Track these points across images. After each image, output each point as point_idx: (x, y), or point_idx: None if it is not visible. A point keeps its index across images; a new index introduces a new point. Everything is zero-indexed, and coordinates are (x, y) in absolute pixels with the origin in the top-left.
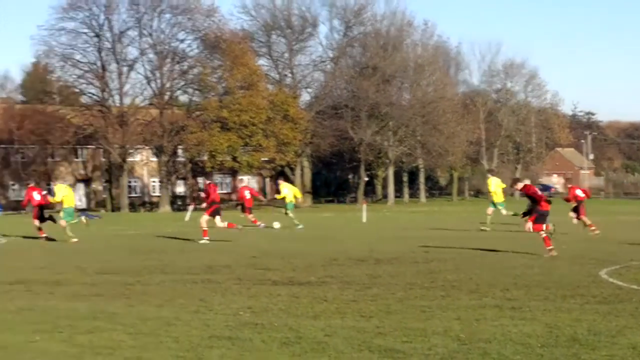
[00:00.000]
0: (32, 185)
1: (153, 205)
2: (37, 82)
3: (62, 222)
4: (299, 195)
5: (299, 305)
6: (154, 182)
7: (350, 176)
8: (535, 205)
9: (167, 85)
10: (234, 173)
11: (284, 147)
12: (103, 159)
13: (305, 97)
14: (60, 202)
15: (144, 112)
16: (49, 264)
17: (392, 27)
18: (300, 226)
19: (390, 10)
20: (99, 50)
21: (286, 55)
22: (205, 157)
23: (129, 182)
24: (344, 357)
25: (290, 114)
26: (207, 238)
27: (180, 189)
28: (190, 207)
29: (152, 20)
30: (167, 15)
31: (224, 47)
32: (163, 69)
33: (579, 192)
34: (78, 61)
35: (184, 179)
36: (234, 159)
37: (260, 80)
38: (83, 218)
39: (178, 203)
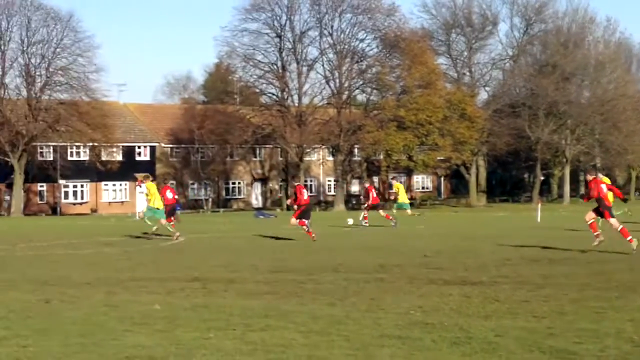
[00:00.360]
0: (167, 184)
1: (328, 205)
2: (218, 82)
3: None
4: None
5: (470, 305)
6: (329, 181)
7: (525, 175)
8: None
9: (346, 84)
10: (409, 172)
11: (460, 146)
12: (280, 158)
13: (483, 95)
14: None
15: (321, 111)
16: (224, 262)
17: (573, 24)
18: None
19: (572, 7)
20: (280, 51)
21: (465, 53)
22: (381, 156)
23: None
24: (515, 357)
25: (467, 113)
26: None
27: (355, 188)
28: (365, 207)
29: (333, 20)
30: (348, 15)
31: (403, 46)
32: (342, 68)
33: None
34: (259, 61)
35: (359, 178)
36: (410, 158)
37: (439, 79)
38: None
39: (352, 202)
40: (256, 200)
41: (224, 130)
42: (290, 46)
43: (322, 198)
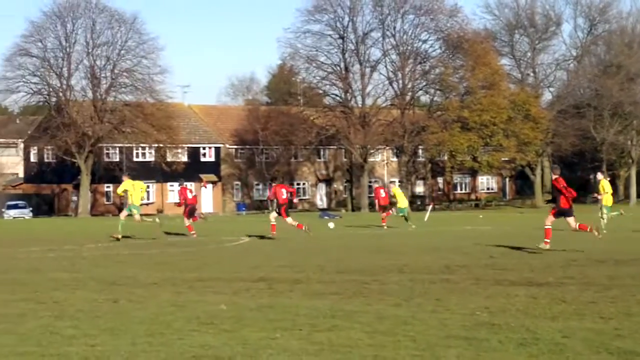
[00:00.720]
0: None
1: (392, 206)
2: (282, 83)
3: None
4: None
5: (537, 306)
6: (393, 182)
7: (591, 176)
8: None
9: (409, 85)
10: (473, 173)
11: (525, 147)
12: (344, 159)
13: (547, 96)
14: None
15: (385, 112)
16: (290, 262)
17: (637, 24)
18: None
19: (636, 7)
20: (343, 52)
21: (529, 54)
22: (446, 157)
23: (369, 182)
24: (582, 359)
25: (531, 114)
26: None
27: (419, 189)
28: (429, 207)
29: (396, 21)
30: (411, 16)
31: (466, 47)
32: (405, 69)
33: None
34: (322, 63)
35: (423, 179)
36: (474, 159)
37: (502, 80)
38: (156, 218)
39: (417, 203)
40: (321, 201)
41: (288, 132)
42: (353, 47)
43: None
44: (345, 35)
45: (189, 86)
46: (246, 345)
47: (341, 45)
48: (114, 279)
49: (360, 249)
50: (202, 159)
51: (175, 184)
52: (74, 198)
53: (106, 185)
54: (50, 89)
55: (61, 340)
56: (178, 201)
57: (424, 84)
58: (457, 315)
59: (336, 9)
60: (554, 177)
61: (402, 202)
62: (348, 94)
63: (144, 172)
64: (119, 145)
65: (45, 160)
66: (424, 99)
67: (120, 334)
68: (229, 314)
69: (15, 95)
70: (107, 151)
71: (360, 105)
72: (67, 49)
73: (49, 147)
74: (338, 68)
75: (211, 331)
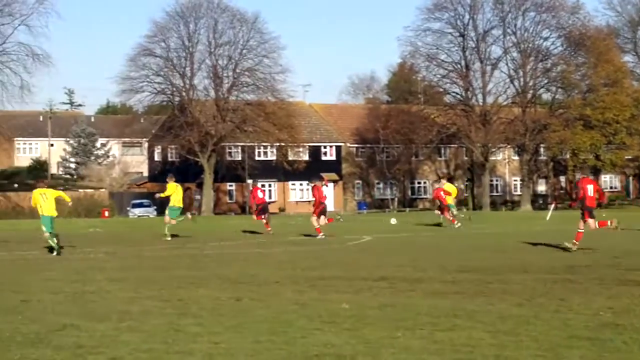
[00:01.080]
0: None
1: (514, 204)
2: (402, 82)
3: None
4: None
5: None
6: (515, 180)
7: None
8: None
9: (530, 83)
10: (596, 172)
11: None
12: (465, 158)
13: None
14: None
15: (506, 110)
16: (410, 261)
17: None
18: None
19: None
20: (463, 50)
21: None
22: (568, 156)
23: (491, 180)
24: None
25: None
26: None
27: (541, 187)
28: (552, 206)
29: (517, 18)
30: (532, 14)
31: (588, 44)
32: (526, 67)
33: None
34: (442, 61)
35: (545, 177)
36: (597, 157)
37: (625, 77)
38: (188, 214)
39: (539, 202)
40: None
41: (409, 130)
42: (473, 45)
43: (508, 198)
44: (466, 33)
45: (310, 85)
46: (368, 344)
47: (461, 43)
48: (236, 277)
49: (482, 248)
50: (323, 158)
51: (297, 183)
52: (197, 197)
53: (229, 184)
54: (174, 89)
55: (185, 337)
56: (299, 200)
57: (546, 81)
58: (580, 315)
59: (456, 6)
60: None
61: (452, 198)
62: (469, 92)
63: (265, 171)
64: (241, 144)
65: (169, 159)
66: (546, 96)
67: (244, 331)
68: (351, 312)
69: (140, 95)
70: (230, 150)
71: (481, 104)
72: (190, 49)
73: (173, 146)
74: (458, 66)
75: (333, 330)
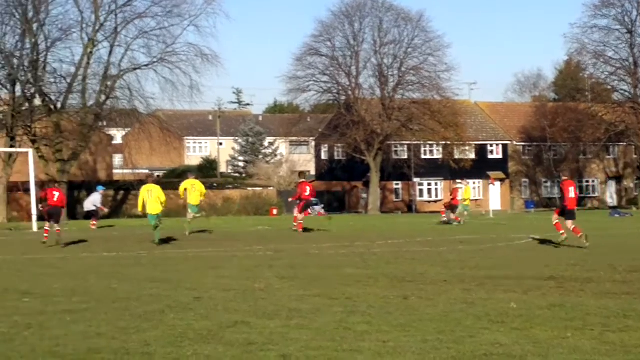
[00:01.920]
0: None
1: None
2: (569, 79)
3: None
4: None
5: None
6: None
7: None
8: None
9: None
10: None
11: None
12: (634, 156)
13: None
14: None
15: None
16: (579, 261)
17: None
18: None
19: None
20: (631, 47)
21: None
22: None
23: None
24: None
25: None
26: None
27: None
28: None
29: None
30: None
31: None
32: None
33: None
34: (610, 58)
35: None
36: None
37: None
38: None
39: None
40: (611, 198)
41: (576, 128)
42: None
43: None
44: (634, 29)
45: (476, 83)
46: (537, 344)
47: (629, 40)
48: (404, 276)
49: None
50: (490, 156)
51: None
52: (364, 195)
53: (395, 182)
54: (340, 88)
55: (354, 335)
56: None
57: None
58: None
59: (624, 3)
60: None
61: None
62: (637, 90)
63: (431, 169)
64: (407, 142)
65: (336, 157)
66: None
67: (411, 330)
68: (519, 312)
69: (306, 94)
70: (395, 149)
71: None
72: (355, 48)
73: (339, 145)
74: (626, 63)
75: (501, 329)
